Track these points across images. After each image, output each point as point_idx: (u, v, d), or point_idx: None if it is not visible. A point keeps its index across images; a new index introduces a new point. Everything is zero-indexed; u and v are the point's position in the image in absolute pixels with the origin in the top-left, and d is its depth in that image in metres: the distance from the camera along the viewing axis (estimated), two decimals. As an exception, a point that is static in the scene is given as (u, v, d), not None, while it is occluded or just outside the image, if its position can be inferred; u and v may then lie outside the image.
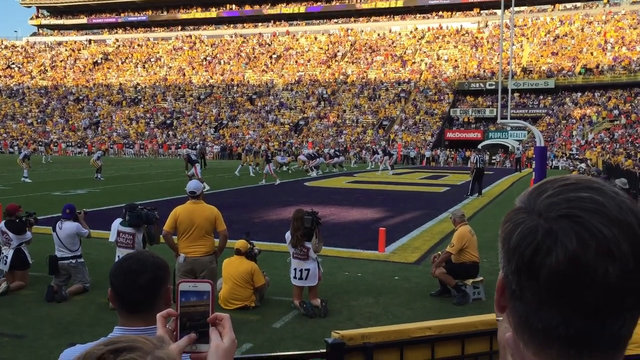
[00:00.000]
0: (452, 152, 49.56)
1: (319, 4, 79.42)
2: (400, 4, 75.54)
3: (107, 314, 6.63)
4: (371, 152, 42.60)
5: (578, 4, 69.40)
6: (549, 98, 55.08)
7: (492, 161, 47.69)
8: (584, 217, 0.74)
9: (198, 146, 44.94)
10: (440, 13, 74.27)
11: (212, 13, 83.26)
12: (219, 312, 1.14)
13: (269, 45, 76.58)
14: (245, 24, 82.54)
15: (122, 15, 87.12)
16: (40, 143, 52.50)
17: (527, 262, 0.75)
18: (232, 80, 69.36)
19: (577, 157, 42.24)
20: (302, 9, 79.29)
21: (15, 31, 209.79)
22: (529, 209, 0.79)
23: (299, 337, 6.18)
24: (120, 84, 72.92)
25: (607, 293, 0.72)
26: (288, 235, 7.26)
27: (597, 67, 55.35)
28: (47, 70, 79.57)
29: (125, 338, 0.95)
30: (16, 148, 53.55)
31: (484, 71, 59.70)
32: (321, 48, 73.27)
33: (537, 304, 0.76)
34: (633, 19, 62.65)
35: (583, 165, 31.41)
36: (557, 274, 0.73)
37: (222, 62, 74.62)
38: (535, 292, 0.75)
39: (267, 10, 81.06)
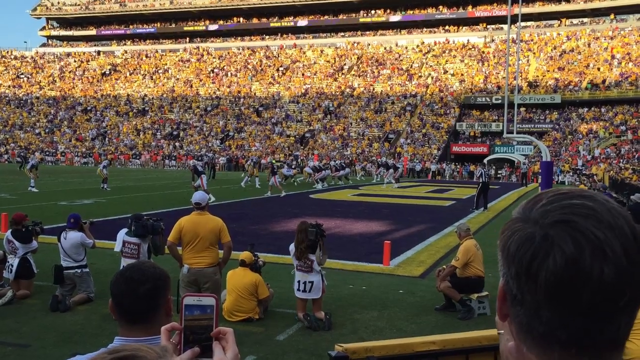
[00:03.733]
0: (458, 166, 49.51)
1: (326, 17, 79.86)
2: (406, 18, 75.87)
3: (111, 324, 6.62)
4: (376, 165, 42.66)
5: (585, 20, 69.52)
6: (555, 113, 55.03)
7: (498, 175, 47.61)
8: (577, 221, 0.77)
9: (206, 158, 45.08)
10: (447, 27, 74.53)
11: (220, 26, 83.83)
12: (222, 327, 1.14)
13: (276, 57, 76.97)
14: (252, 37, 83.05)
15: (130, 27, 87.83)
16: (47, 153, 52.75)
17: (526, 267, 0.78)
18: (239, 92, 69.67)
19: (583, 172, 42.11)
20: (309, 22, 79.73)
21: (25, 42, 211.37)
22: (525, 218, 0.82)
23: (302, 350, 6.16)
24: (128, 95, 73.35)
25: (603, 292, 0.75)
26: (292, 247, 7.25)
27: (604, 82, 55.32)
28: (55, 81, 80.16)
29: (129, 347, 0.95)
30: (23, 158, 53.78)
31: (491, 85, 59.76)
32: (328, 61, 73.57)
33: (536, 307, 0.78)
34: (639, 34, 62.73)
35: (585, 179, 31.30)
36: (555, 277, 0.76)
37: (229, 74, 75.01)
38: (535, 295, 0.78)
39: (275, 23, 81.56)
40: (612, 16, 67.85)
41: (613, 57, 60.08)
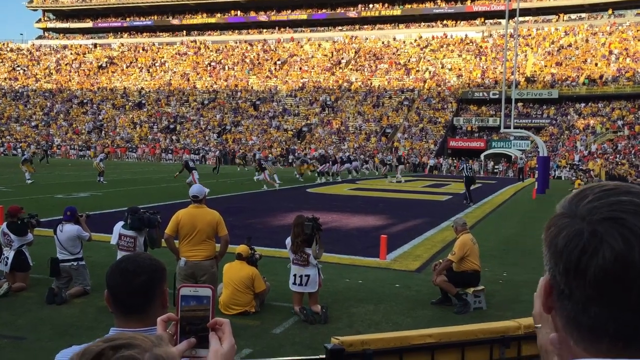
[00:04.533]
0: (455, 161, 49.57)
1: (323, 11, 79.66)
2: (404, 12, 75.77)
3: (107, 317, 6.61)
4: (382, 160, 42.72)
5: (583, 15, 69.49)
6: (553, 108, 55.07)
7: (495, 170, 47.67)
8: (626, 218, 0.79)
9: (218, 152, 45.03)
10: (445, 22, 74.44)
11: (218, 19, 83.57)
12: (219, 317, 1.14)
13: (274, 51, 76.79)
14: (250, 30, 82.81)
15: (127, 19, 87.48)
16: (39, 146, 52.47)
17: (575, 263, 0.80)
18: (236, 85, 69.51)
19: (580, 167, 42.19)
20: (307, 16, 79.54)
21: (21, 34, 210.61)
22: (571, 214, 0.83)
23: (298, 343, 6.16)
24: (125, 87, 73.12)
25: None
26: (288, 241, 7.26)
27: (601, 77, 55.35)
28: (52, 74, 79.85)
29: (124, 335, 0.95)
30: (19, 150, 53.62)
31: (488, 80, 59.75)
32: (325, 55, 73.44)
33: (585, 302, 0.80)
34: (638, 30, 62.69)
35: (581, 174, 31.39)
36: (605, 273, 0.77)
37: (226, 67, 74.83)
38: (583, 291, 0.79)
39: (272, 16, 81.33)
40: (610, 11, 67.83)
41: (611, 52, 60.10)
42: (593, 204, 0.82)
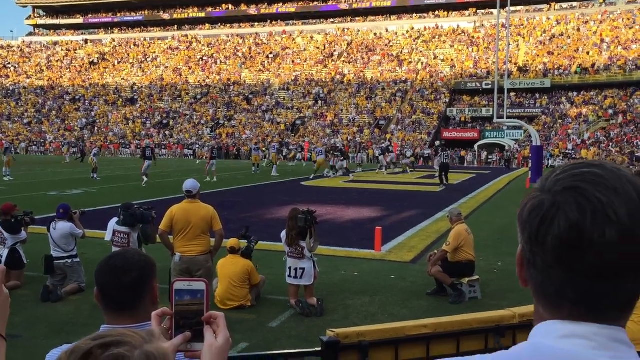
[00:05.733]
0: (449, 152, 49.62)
1: (315, 3, 79.40)
2: (396, 3, 75.60)
3: (102, 314, 6.59)
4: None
5: (574, 4, 69.54)
6: (545, 97, 55.17)
7: (489, 160, 47.78)
8: (583, 187, 0.83)
9: (212, 143, 45.05)
10: (437, 13, 74.33)
11: (209, 13, 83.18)
12: (213, 311, 1.13)
13: (266, 44, 76.54)
14: (241, 24, 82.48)
15: (118, 15, 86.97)
16: (75, 145, 51.97)
17: (536, 232, 0.85)
18: (229, 80, 69.29)
19: (573, 156, 42.32)
20: (299, 9, 79.25)
21: (11, 31, 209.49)
22: (541, 187, 0.88)
23: (295, 336, 6.18)
24: (117, 83, 72.78)
25: (606, 255, 0.80)
26: (283, 234, 7.26)
27: (593, 66, 55.46)
28: (43, 70, 79.37)
29: (114, 332, 0.93)
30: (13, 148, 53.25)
31: (481, 71, 59.76)
32: (318, 47, 73.25)
33: (546, 268, 0.85)
34: (628, 18, 62.79)
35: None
36: (560, 240, 0.82)
37: (218, 61, 74.55)
38: (544, 259, 0.84)
39: (263, 10, 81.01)
40: (601, 0, 67.88)
41: (602, 41, 60.19)
42: (558, 176, 0.87)
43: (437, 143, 34.66)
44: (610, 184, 0.82)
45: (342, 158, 29.54)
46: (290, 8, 79.53)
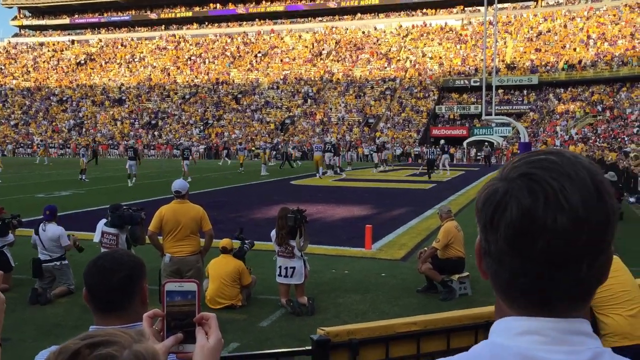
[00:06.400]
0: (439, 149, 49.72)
1: (302, 2, 79.33)
2: (384, 1, 75.69)
3: (91, 316, 6.55)
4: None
5: (560, 1, 69.97)
6: (533, 94, 55.48)
7: (478, 157, 47.96)
8: (537, 173, 0.82)
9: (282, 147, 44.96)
10: (425, 10, 74.50)
11: (196, 12, 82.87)
12: (205, 312, 1.13)
13: (254, 44, 76.38)
14: (229, 23, 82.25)
15: (105, 15, 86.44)
16: (88, 146, 51.50)
17: (490, 220, 0.84)
18: (217, 79, 69.09)
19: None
20: (287, 7, 79.14)
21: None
22: (499, 176, 0.88)
23: (286, 335, 6.17)
24: (104, 84, 72.36)
25: (557, 241, 0.79)
26: (273, 233, 7.25)
27: (580, 62, 55.83)
28: (29, 71, 78.76)
29: (103, 332, 0.92)
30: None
31: (469, 68, 60.00)
32: (306, 46, 73.20)
33: (500, 255, 0.83)
34: (614, 14, 63.27)
35: None
36: (513, 227, 0.81)
37: (206, 61, 74.31)
38: (497, 245, 0.83)
39: (251, 9, 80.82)
40: (587, -3, 68.40)
41: (589, 37, 60.61)
42: (515, 164, 0.86)
43: (442, 142, 34.80)
44: (564, 170, 0.81)
45: (333, 154, 29.41)
46: (279, 7, 79.37)
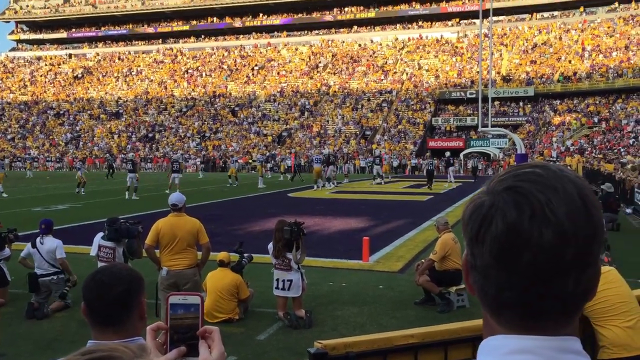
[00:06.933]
0: (435, 161, 49.81)
1: (299, 15, 79.74)
2: (380, 14, 76.16)
3: (89, 331, 6.50)
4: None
5: (555, 13, 70.48)
6: (529, 105, 55.72)
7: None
8: (523, 186, 0.81)
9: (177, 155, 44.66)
10: (420, 23, 74.94)
11: (193, 26, 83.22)
12: (208, 325, 1.13)
13: (251, 57, 76.66)
14: (226, 36, 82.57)
15: (102, 29, 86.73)
16: (106, 160, 51.36)
17: (475, 234, 0.83)
18: (214, 92, 69.24)
19: (557, 163, 42.66)
20: (283, 21, 79.53)
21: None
22: (485, 189, 0.86)
23: (283, 348, 6.15)
24: (101, 97, 72.44)
25: (543, 255, 0.78)
26: (270, 246, 7.24)
27: (575, 74, 56.14)
28: (26, 85, 78.84)
29: (104, 347, 0.91)
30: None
31: (465, 80, 60.25)
32: (303, 59, 73.49)
33: (485, 269, 0.82)
34: (609, 26, 63.73)
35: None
36: (498, 241, 0.80)
37: (203, 74, 74.51)
38: (483, 259, 0.82)
39: (247, 22, 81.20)
40: (581, 9, 68.88)
41: (584, 49, 60.99)
42: (501, 177, 0.85)
43: (448, 154, 35.13)
44: (551, 183, 0.80)
45: (325, 165, 29.32)
46: (275, 20, 79.76)
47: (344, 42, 75.49)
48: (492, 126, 35.24)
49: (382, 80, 64.85)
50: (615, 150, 41.83)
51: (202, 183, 33.75)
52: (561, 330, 0.81)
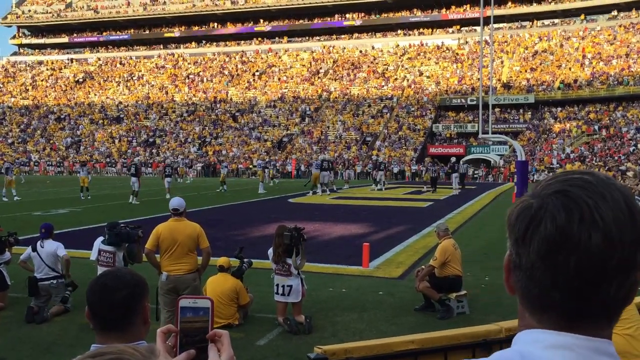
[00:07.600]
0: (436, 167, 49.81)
1: (300, 21, 79.94)
2: (381, 21, 76.35)
3: (88, 334, 6.53)
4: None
5: (556, 21, 70.62)
6: (529, 113, 55.78)
7: (475, 175, 48.07)
8: (572, 191, 0.84)
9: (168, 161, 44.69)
10: (421, 30, 75.09)
11: (194, 31, 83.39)
12: (217, 329, 1.14)
13: (252, 62, 76.79)
14: (227, 42, 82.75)
15: (104, 34, 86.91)
16: (16, 163, 51.41)
17: (522, 234, 0.85)
18: (215, 97, 69.34)
19: (557, 171, 42.68)
20: (284, 27, 79.70)
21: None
22: (532, 193, 0.89)
23: (283, 354, 6.14)
24: (102, 102, 72.54)
25: (590, 258, 0.80)
26: (270, 251, 7.24)
27: (576, 81, 56.22)
28: (28, 90, 78.96)
29: (114, 349, 0.92)
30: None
31: (465, 87, 60.33)
32: (304, 65, 73.62)
33: (531, 271, 0.84)
34: (609, 34, 63.85)
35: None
36: (547, 242, 0.82)
37: (204, 79, 74.63)
38: (529, 259, 0.84)
39: (250, 28, 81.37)
40: (582, 17, 69.01)
41: (584, 56, 61.09)
42: (549, 182, 0.88)
43: (453, 159, 35.46)
44: (599, 189, 0.83)
45: (321, 170, 29.16)
46: (277, 26, 79.92)
47: (345, 48, 75.64)
48: (493, 133, 35.26)
49: (383, 86, 64.95)
50: (616, 158, 41.85)
51: (202, 188, 33.72)
52: (600, 332, 0.84)
